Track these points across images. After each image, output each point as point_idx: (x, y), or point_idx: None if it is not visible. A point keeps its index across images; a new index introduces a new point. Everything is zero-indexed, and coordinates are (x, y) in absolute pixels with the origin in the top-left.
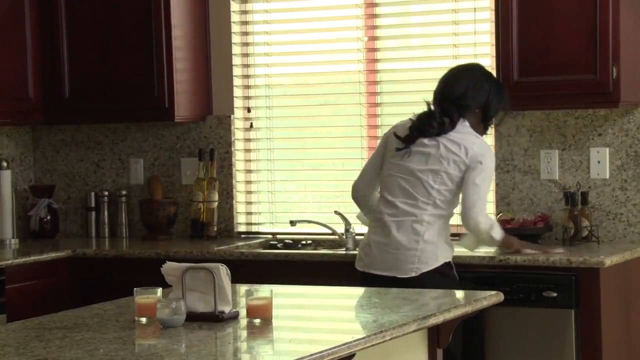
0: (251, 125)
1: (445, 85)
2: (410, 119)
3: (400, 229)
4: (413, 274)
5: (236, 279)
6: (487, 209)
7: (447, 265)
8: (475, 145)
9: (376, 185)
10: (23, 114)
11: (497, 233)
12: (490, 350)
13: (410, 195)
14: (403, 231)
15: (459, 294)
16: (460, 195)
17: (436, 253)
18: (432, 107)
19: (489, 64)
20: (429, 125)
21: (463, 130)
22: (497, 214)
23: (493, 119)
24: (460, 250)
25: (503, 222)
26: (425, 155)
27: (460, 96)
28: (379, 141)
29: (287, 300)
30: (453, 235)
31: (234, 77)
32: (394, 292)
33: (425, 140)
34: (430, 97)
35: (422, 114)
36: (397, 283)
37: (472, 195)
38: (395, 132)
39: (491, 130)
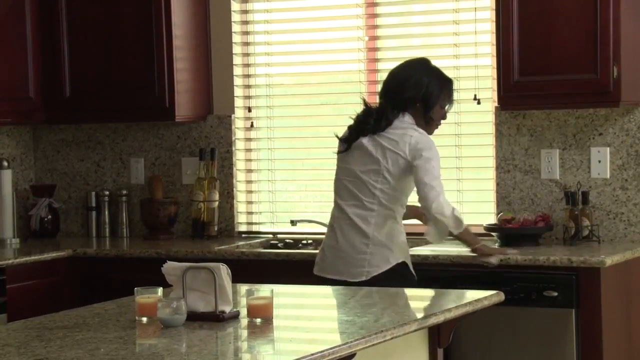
0: (252, 125)
1: (388, 79)
2: (351, 117)
3: (349, 233)
4: (363, 278)
5: (237, 278)
6: (487, 208)
7: (401, 265)
8: (413, 138)
9: None
10: (24, 113)
11: (461, 217)
12: (491, 350)
13: (356, 197)
14: (352, 235)
15: (460, 293)
16: (415, 188)
17: (387, 255)
18: (370, 105)
19: (490, 63)
20: (366, 123)
21: (401, 125)
22: (497, 214)
23: (436, 114)
24: (461, 250)
25: (503, 222)
26: (365, 156)
27: (397, 89)
28: None
29: (288, 299)
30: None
31: (234, 77)
32: (392, 291)
33: (365, 140)
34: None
35: (360, 114)
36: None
37: (426, 180)
38: (337, 135)
39: (492, 129)
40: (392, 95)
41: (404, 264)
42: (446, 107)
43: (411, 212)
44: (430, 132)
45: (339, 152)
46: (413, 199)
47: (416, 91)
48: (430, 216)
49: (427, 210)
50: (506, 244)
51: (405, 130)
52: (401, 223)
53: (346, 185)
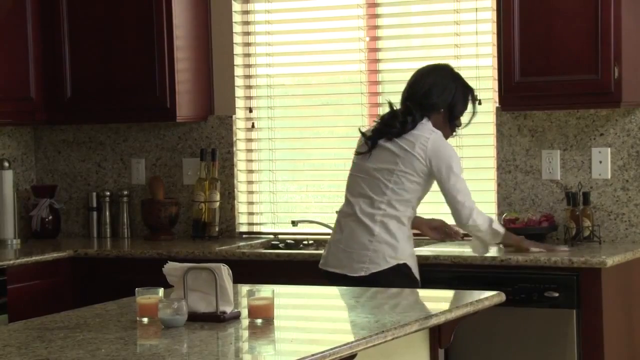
0: (253, 126)
1: (411, 84)
2: (375, 121)
3: (355, 228)
4: (362, 273)
5: (238, 279)
6: (488, 209)
7: (403, 266)
8: (430, 140)
9: None
10: (25, 114)
11: (499, 226)
12: (492, 350)
13: (366, 194)
14: (358, 230)
15: (461, 294)
16: (445, 200)
17: (389, 254)
18: (396, 108)
19: (491, 64)
20: (391, 126)
21: (421, 128)
22: (500, 214)
23: (459, 121)
24: (462, 250)
25: (507, 222)
26: (382, 155)
27: (425, 94)
28: None
29: (289, 300)
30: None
31: (235, 77)
32: (393, 291)
33: (383, 140)
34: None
35: (385, 116)
36: (352, 282)
37: (455, 196)
38: (362, 133)
39: (493, 130)
40: (419, 100)
41: (405, 265)
42: (470, 116)
43: (413, 222)
44: (447, 137)
45: (359, 153)
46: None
47: (444, 97)
48: (468, 232)
49: (463, 228)
50: None
51: (423, 132)
52: (409, 226)
53: (358, 181)
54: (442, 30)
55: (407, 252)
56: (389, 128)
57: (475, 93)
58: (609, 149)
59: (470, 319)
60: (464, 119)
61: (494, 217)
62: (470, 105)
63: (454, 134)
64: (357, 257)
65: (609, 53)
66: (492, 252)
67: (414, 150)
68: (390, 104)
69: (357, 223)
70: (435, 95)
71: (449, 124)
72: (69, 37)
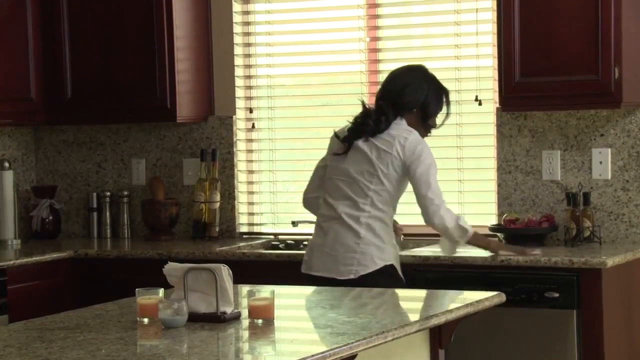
0: (253, 126)
1: (386, 83)
2: (348, 122)
3: (339, 231)
4: (352, 276)
5: (238, 279)
6: (488, 209)
7: (390, 267)
8: (408, 141)
9: (321, 192)
10: (25, 114)
11: (467, 224)
12: (492, 351)
13: (348, 197)
14: (342, 233)
15: (461, 294)
16: (415, 198)
17: (376, 256)
18: (369, 107)
19: (491, 64)
20: (364, 124)
21: (397, 127)
22: (499, 215)
23: (433, 121)
24: (463, 251)
25: (508, 222)
26: (360, 156)
27: (398, 93)
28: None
29: (289, 300)
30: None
31: (236, 78)
32: (393, 292)
33: (360, 142)
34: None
35: (358, 115)
36: (338, 285)
37: (426, 193)
38: (336, 134)
39: (493, 130)
40: (392, 99)
41: (392, 266)
42: (444, 117)
43: None
44: (422, 137)
45: (336, 154)
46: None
47: (416, 97)
48: (435, 229)
49: (430, 224)
50: (510, 244)
51: (400, 132)
52: (391, 226)
53: (339, 185)
54: (443, 30)
55: (392, 252)
56: (363, 127)
57: (449, 95)
58: (609, 150)
59: (471, 319)
60: (438, 120)
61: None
62: (444, 107)
63: (428, 134)
64: (343, 260)
65: (609, 53)
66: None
67: (392, 150)
68: (363, 103)
69: (341, 226)
70: (408, 95)
71: (423, 124)
72: (70, 37)
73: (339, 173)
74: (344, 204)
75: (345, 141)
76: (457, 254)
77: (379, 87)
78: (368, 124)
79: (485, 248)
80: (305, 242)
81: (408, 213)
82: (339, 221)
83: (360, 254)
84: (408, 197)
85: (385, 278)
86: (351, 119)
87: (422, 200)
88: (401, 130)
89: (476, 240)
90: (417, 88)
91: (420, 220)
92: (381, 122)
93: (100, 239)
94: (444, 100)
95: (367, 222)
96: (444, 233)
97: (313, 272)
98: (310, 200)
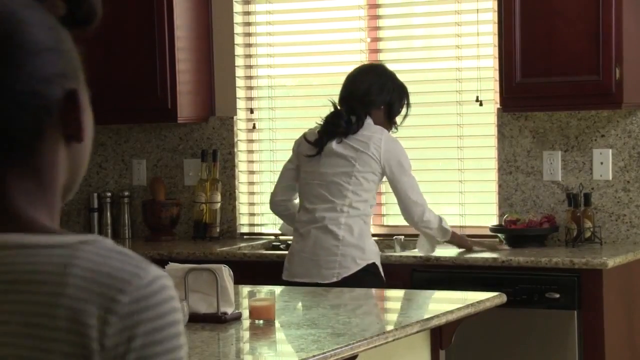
0: (254, 126)
1: (349, 84)
2: (318, 124)
3: (319, 236)
4: (334, 279)
5: (239, 280)
6: (489, 210)
7: (372, 266)
8: (383, 141)
9: (293, 193)
10: None
11: (447, 225)
12: (493, 352)
13: (327, 200)
14: (322, 238)
15: (462, 295)
16: (395, 199)
17: (358, 256)
18: (339, 107)
19: (492, 65)
20: (336, 125)
21: (370, 128)
22: (501, 216)
23: (396, 119)
24: (464, 251)
25: (509, 223)
26: (336, 158)
27: (365, 92)
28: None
29: (290, 301)
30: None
31: (236, 78)
32: (394, 293)
33: (334, 143)
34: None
35: (328, 116)
36: (320, 290)
37: (403, 193)
38: (305, 137)
39: (494, 131)
40: (359, 98)
41: (374, 265)
42: (406, 113)
43: None
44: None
45: (307, 156)
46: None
47: (382, 96)
48: (418, 231)
49: (414, 226)
50: (512, 245)
51: (373, 132)
52: (370, 224)
53: (316, 188)
54: (444, 31)
55: (373, 251)
56: (334, 127)
57: (409, 94)
58: (610, 150)
59: (471, 320)
60: (398, 119)
61: (494, 217)
62: (405, 105)
63: (393, 132)
64: (325, 264)
65: (610, 54)
66: (494, 253)
67: (369, 150)
68: (334, 104)
69: (319, 230)
70: (375, 93)
71: (388, 123)
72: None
73: (315, 177)
74: (322, 208)
75: (317, 144)
76: (459, 255)
77: (341, 87)
78: (340, 125)
79: (459, 246)
80: None
81: None
82: (318, 225)
83: (341, 256)
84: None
85: (368, 277)
86: (319, 120)
87: (405, 202)
88: (373, 130)
89: (452, 238)
90: (383, 86)
91: None
92: (353, 123)
93: None
94: (405, 99)
95: (346, 222)
96: (426, 234)
97: (296, 278)
98: (278, 203)
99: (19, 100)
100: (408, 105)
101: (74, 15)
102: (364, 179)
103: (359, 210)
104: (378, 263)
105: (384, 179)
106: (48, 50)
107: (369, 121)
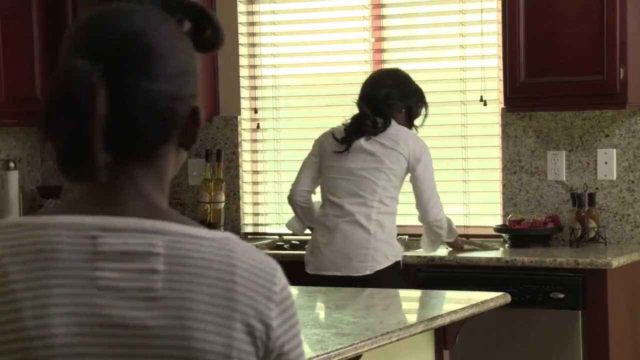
0: (258, 126)
1: (369, 89)
2: (343, 123)
3: (348, 229)
4: (368, 272)
5: None
6: (493, 210)
7: (398, 263)
8: (410, 140)
9: (315, 186)
10: (30, 114)
11: (454, 226)
12: (497, 352)
13: (356, 194)
14: (353, 231)
15: (466, 295)
16: (414, 195)
17: (388, 251)
18: (364, 108)
19: (496, 64)
20: (363, 125)
21: (396, 127)
22: (505, 215)
23: (415, 120)
24: (454, 251)
25: (513, 223)
26: (365, 155)
27: (386, 97)
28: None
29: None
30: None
31: (240, 78)
32: (396, 293)
33: (362, 140)
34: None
35: (355, 116)
36: (351, 283)
37: (426, 193)
38: (333, 134)
39: (498, 131)
40: (382, 100)
41: (399, 263)
42: (426, 114)
43: None
44: None
45: (335, 152)
46: None
47: (402, 100)
48: (430, 227)
49: (426, 223)
50: (515, 245)
51: (400, 131)
52: (395, 222)
53: (343, 183)
54: (448, 31)
55: (400, 248)
56: (362, 127)
57: (425, 96)
58: (615, 150)
59: (475, 320)
60: (418, 120)
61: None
62: (424, 108)
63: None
64: (356, 257)
65: (614, 54)
66: (497, 253)
67: (399, 147)
68: (360, 105)
69: (349, 223)
70: (396, 98)
71: (408, 125)
72: None
73: (343, 172)
74: (351, 202)
75: (345, 141)
76: (463, 255)
77: (361, 91)
78: (366, 125)
79: (452, 246)
80: None
81: (410, 213)
82: (349, 219)
83: (373, 250)
84: (409, 197)
85: (395, 275)
86: (343, 120)
87: (426, 201)
88: (400, 128)
89: (455, 241)
90: (403, 90)
91: None
92: (378, 124)
93: None
94: (424, 100)
95: (377, 218)
96: (435, 233)
97: (324, 272)
98: (301, 194)
99: (160, 115)
100: (426, 106)
101: (198, 38)
102: (393, 175)
103: (387, 206)
104: (401, 262)
105: (407, 177)
106: (188, 75)
107: (394, 122)
